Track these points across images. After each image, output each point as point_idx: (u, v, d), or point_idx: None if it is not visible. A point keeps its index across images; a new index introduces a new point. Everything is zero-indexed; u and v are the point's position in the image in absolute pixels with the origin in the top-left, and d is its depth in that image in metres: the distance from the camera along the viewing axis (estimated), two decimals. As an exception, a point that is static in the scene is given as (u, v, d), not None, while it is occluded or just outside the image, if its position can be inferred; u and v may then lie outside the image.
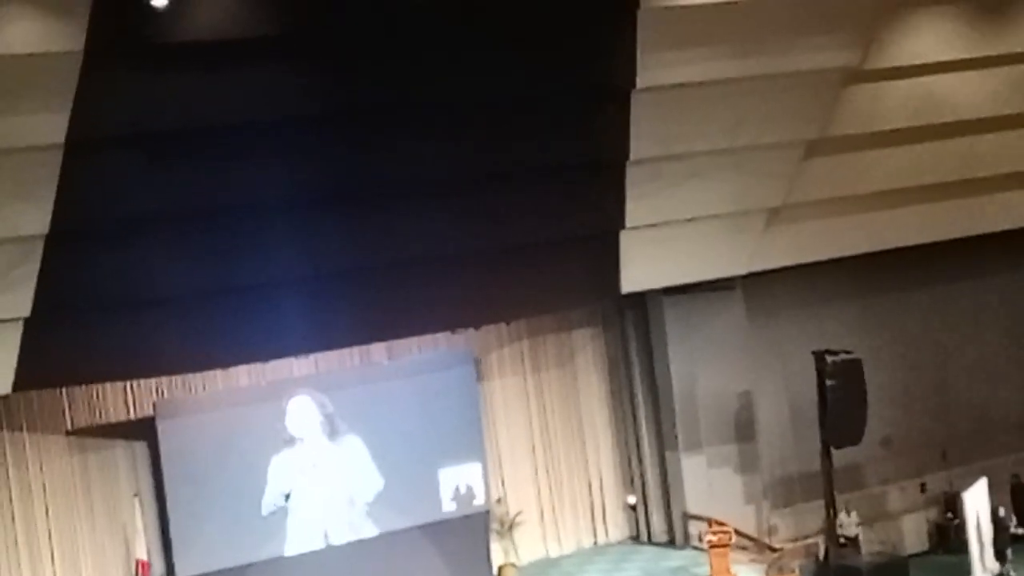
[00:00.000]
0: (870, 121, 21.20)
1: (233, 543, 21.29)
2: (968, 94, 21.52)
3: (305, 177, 17.75)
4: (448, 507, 22.76)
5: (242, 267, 18.14)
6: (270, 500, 21.64)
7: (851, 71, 20.35)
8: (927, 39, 20.90)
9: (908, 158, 21.81)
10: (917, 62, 20.92)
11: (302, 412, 21.95)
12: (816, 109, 20.47)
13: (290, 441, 21.83)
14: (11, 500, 21.09)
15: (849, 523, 23.11)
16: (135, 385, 21.46)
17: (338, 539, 22.15)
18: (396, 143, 18.01)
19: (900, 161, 21.79)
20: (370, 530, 22.32)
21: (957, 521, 23.62)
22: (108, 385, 21.26)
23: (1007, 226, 23.65)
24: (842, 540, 22.84)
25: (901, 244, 23.11)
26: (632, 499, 25.01)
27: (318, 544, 22.02)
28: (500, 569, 23.42)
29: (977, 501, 23.02)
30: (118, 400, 21.50)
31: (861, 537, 23.36)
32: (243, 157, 17.33)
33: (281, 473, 21.72)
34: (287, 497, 21.76)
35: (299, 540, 21.91)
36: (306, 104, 17.17)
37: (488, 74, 17.84)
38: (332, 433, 22.15)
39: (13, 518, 21.07)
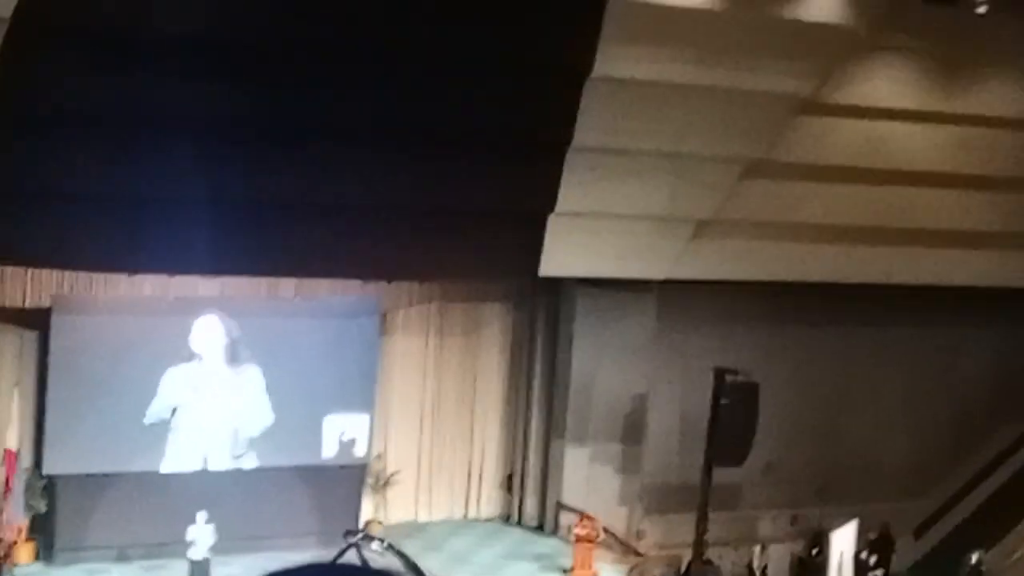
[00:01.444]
0: (813, 153, 21.34)
1: (108, 450, 21.03)
2: (913, 145, 21.75)
3: (242, 104, 17.52)
4: (328, 453, 22.65)
5: (161, 179, 17.87)
6: (155, 411, 21.38)
7: (805, 101, 20.46)
8: (884, 84, 21.09)
9: (842, 197, 22.00)
10: (869, 104, 21.10)
11: (208, 330, 21.71)
12: (763, 131, 20.57)
13: (189, 357, 21.58)
14: None
15: (762, 558, 23.55)
16: (35, 275, 21.05)
17: (216, 465, 21.96)
18: (341, 84, 17.81)
19: (834, 198, 21.97)
20: (250, 462, 22.15)
21: (820, 558, 23.93)
22: (8, 271, 20.85)
23: (926, 281, 23.96)
24: (706, 557, 23.05)
25: (819, 279, 23.33)
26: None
27: (195, 466, 21.81)
28: (367, 524, 23.35)
29: (844, 541, 23.37)
30: (16, 286, 21.06)
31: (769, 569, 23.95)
32: (180, 73, 17.05)
33: (173, 386, 21.47)
34: (173, 412, 21.52)
35: (177, 459, 21.69)
36: (254, 30, 16.93)
37: (448, 32, 17.71)
38: (233, 358, 21.92)
39: None
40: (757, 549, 23.56)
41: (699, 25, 18.75)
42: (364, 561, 17.67)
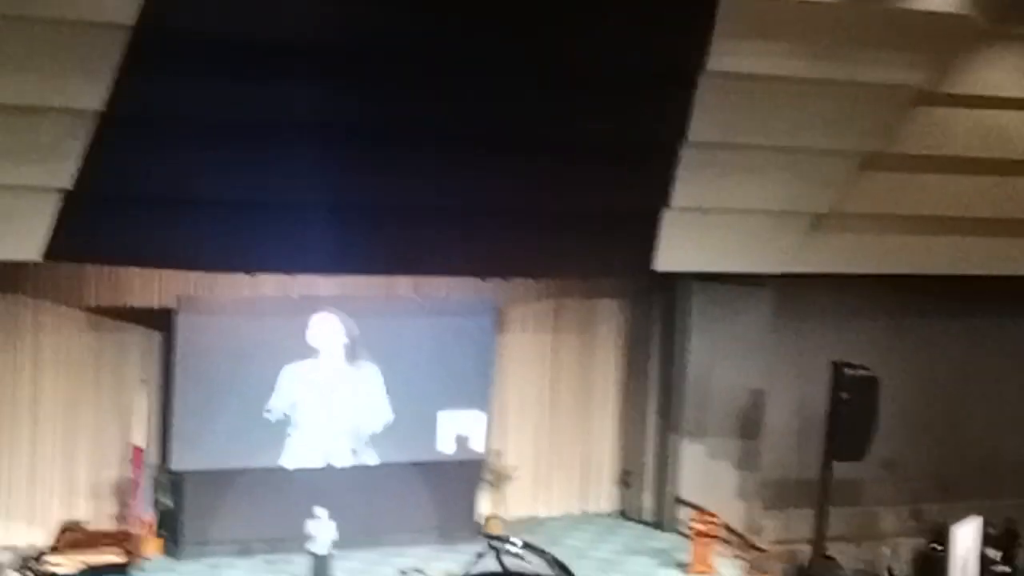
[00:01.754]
0: (933, 144, 21.05)
1: (232, 447, 21.48)
2: (1035, 135, 21.35)
3: (361, 107, 17.75)
4: (446, 449, 22.88)
5: (281, 182, 18.17)
6: (275, 407, 21.79)
7: (923, 92, 20.20)
8: (1004, 73, 20.71)
9: (964, 188, 21.66)
10: (989, 93, 20.75)
11: (326, 327, 22.07)
12: (881, 123, 20.34)
13: (307, 354, 21.95)
14: (23, 366, 21.33)
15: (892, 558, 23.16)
16: (161, 276, 21.58)
17: (338, 462, 22.30)
18: (459, 88, 17.96)
19: (956, 190, 21.64)
20: (371, 458, 22.46)
21: (943, 554, 23.61)
22: (135, 272, 21.40)
23: (1052, 273, 23.53)
24: (827, 553, 22.87)
25: (940, 272, 22.99)
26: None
27: (318, 463, 22.18)
28: (486, 519, 23.55)
29: (967, 538, 23.03)
30: (143, 287, 21.63)
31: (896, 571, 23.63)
32: (299, 77, 17.32)
33: (292, 382, 21.86)
34: (293, 408, 21.91)
35: (299, 455, 22.08)
36: (374, 33, 17.13)
37: (562, 36, 17.76)
38: (352, 356, 22.27)
39: (23, 383, 21.30)
40: (888, 551, 23.08)
41: (813, 18, 18.60)
42: (504, 568, 17.85)
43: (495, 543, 18.66)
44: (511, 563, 17.96)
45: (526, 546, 18.77)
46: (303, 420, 22.04)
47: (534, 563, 18.30)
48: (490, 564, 18.23)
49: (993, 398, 26.20)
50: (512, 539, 18.77)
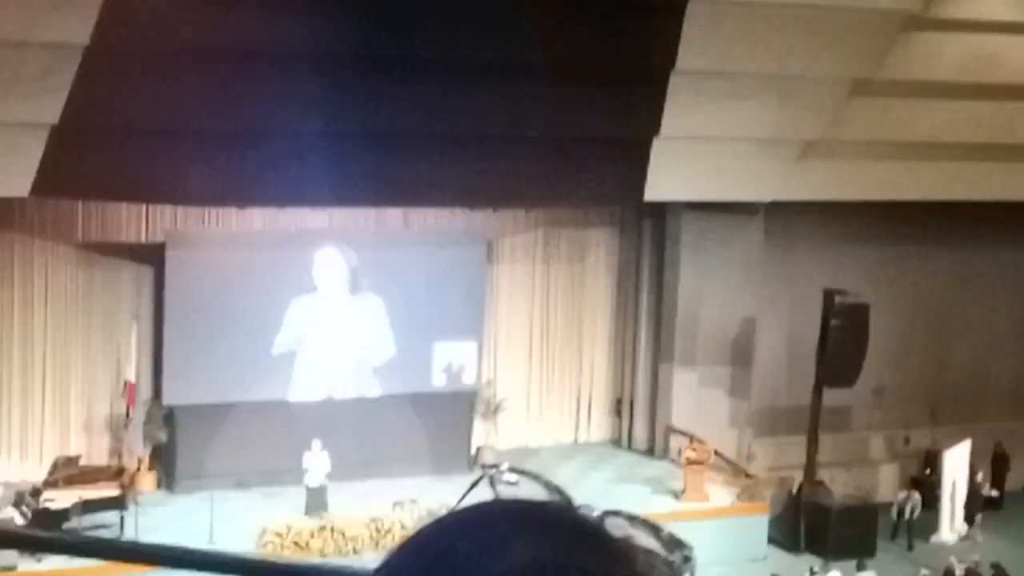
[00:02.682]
0: (922, 70, 20.96)
1: (226, 380, 21.50)
2: (1025, 59, 21.28)
3: (349, 38, 17.65)
4: (439, 381, 22.95)
5: (272, 113, 18.10)
6: (282, 342, 21.84)
7: (912, 16, 20.08)
8: (994, -3, 20.62)
9: (954, 113, 21.60)
10: (980, 18, 20.63)
11: (329, 263, 22.06)
12: (871, 49, 20.24)
13: (311, 289, 21.96)
14: (12, 302, 21.30)
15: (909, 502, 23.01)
16: (150, 211, 21.53)
17: (341, 394, 22.37)
18: (447, 17, 17.85)
19: (945, 115, 21.59)
20: (374, 391, 22.53)
21: (934, 478, 23.82)
22: (124, 207, 21.33)
23: (1038, 197, 23.54)
24: (817, 478, 23.04)
25: (930, 198, 23.01)
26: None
27: (320, 395, 22.25)
28: (479, 450, 23.66)
29: (957, 462, 23.24)
30: (132, 223, 21.58)
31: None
32: (289, 6, 17.20)
33: (298, 317, 21.89)
34: (299, 342, 21.95)
35: (303, 388, 22.14)
36: None
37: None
38: (354, 288, 22.28)
39: (12, 319, 21.29)
40: (902, 495, 23.10)
41: (803, -57, 18.47)
42: (497, 494, 18.01)
43: (488, 470, 18.83)
44: (506, 491, 18.07)
45: (520, 471, 18.88)
46: (307, 354, 22.07)
47: (529, 489, 18.44)
48: (485, 492, 18.33)
49: (982, 323, 26.33)
50: (506, 466, 18.94)
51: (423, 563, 1.74)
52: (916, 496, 22.71)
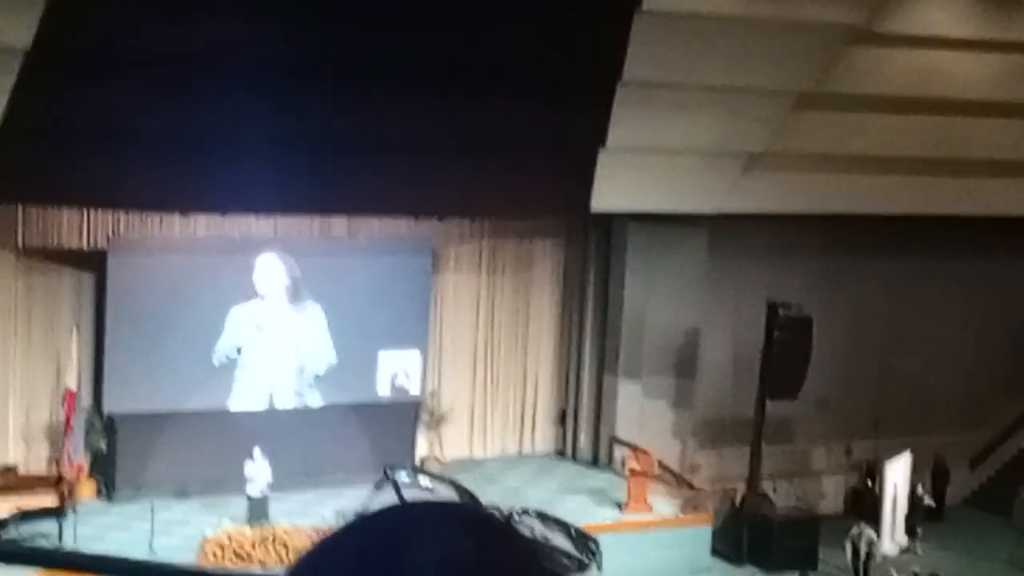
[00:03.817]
0: (867, 84, 21.14)
1: (168, 389, 21.29)
2: (970, 75, 21.48)
3: (293, 44, 17.58)
4: (383, 391, 22.84)
5: (216, 119, 17.99)
6: (222, 350, 21.65)
7: (858, 30, 20.24)
8: (938, 12, 20.82)
9: (897, 127, 21.79)
10: (924, 33, 20.84)
11: (270, 269, 21.90)
12: (816, 62, 20.39)
13: (252, 296, 21.79)
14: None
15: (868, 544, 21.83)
16: (92, 217, 21.24)
17: (282, 403, 22.21)
18: (389, 24, 17.82)
19: (889, 129, 21.77)
20: (315, 400, 22.38)
21: (875, 490, 23.95)
22: (64, 212, 21.06)
23: (982, 212, 23.76)
24: (760, 490, 23.10)
25: (874, 211, 23.19)
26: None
27: (262, 404, 22.07)
28: (423, 461, 23.56)
29: (898, 473, 23.38)
30: (72, 229, 21.28)
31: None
32: (234, 13, 17.11)
33: (239, 325, 21.71)
34: (239, 350, 21.77)
35: (244, 397, 21.96)
36: None
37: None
38: (295, 297, 22.14)
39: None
40: (854, 530, 21.88)
41: (749, -44, 18.56)
42: (401, 498, 17.99)
43: (389, 472, 18.95)
44: (413, 494, 18.07)
45: (426, 473, 19.06)
46: (248, 362, 21.90)
47: (438, 491, 18.54)
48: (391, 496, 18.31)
49: (925, 335, 26.53)
50: (406, 469, 19.10)
51: (335, 564, 1.73)
52: (869, 532, 21.90)
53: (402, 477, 18.97)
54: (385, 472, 19.01)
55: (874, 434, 25.01)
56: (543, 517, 19.47)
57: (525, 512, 19.53)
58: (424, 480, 19.23)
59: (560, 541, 18.81)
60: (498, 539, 1.78)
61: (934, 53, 21.11)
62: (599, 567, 18.61)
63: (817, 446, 25.53)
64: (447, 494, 17.81)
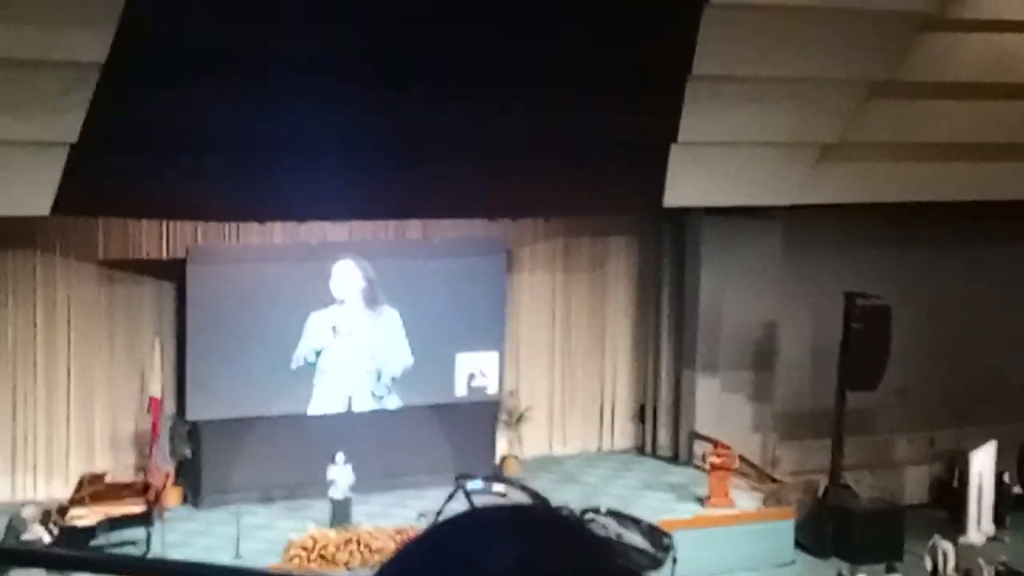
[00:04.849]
0: (940, 71, 20.92)
1: (249, 395, 21.55)
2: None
3: (368, 48, 17.70)
4: (461, 392, 22.96)
5: (290, 127, 18.14)
6: (301, 354, 21.89)
7: (930, 17, 20.04)
8: (1011, -4, 20.56)
9: (973, 114, 21.54)
10: (997, 17, 20.58)
11: (346, 275, 22.11)
12: (888, 51, 20.20)
13: (330, 302, 22.01)
14: (35, 322, 21.39)
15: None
16: (171, 227, 21.61)
17: (360, 406, 22.40)
18: (464, 26, 17.89)
19: (964, 116, 21.53)
20: (393, 403, 22.55)
21: (960, 480, 23.71)
22: (144, 223, 21.42)
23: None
24: (843, 482, 22.94)
25: (950, 198, 22.93)
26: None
27: (340, 408, 22.28)
28: (503, 460, 23.65)
29: (983, 462, 23.13)
30: (152, 239, 21.66)
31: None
32: (309, 18, 17.28)
33: (317, 331, 21.94)
34: (318, 355, 21.98)
35: (323, 401, 22.18)
36: None
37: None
38: (371, 301, 22.32)
39: (35, 339, 21.36)
40: (931, 543, 21.08)
41: (818, -54, 18.45)
42: (472, 505, 18.15)
43: (461, 482, 19.02)
44: (486, 501, 18.16)
45: (498, 479, 19.10)
46: (326, 367, 22.11)
47: (512, 496, 18.61)
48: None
49: (1003, 322, 26.21)
50: (479, 475, 19.20)
51: (414, 572, 1.78)
52: (945, 544, 21.09)
53: (475, 485, 19.07)
54: (457, 481, 19.11)
55: (957, 423, 24.75)
56: (616, 515, 19.44)
57: (596, 511, 19.52)
58: (497, 487, 19.33)
59: (634, 538, 18.79)
60: (570, 539, 1.82)
61: (1007, 37, 20.85)
62: (674, 562, 18.56)
63: (899, 437, 25.31)
64: (520, 499, 17.90)
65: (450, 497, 18.59)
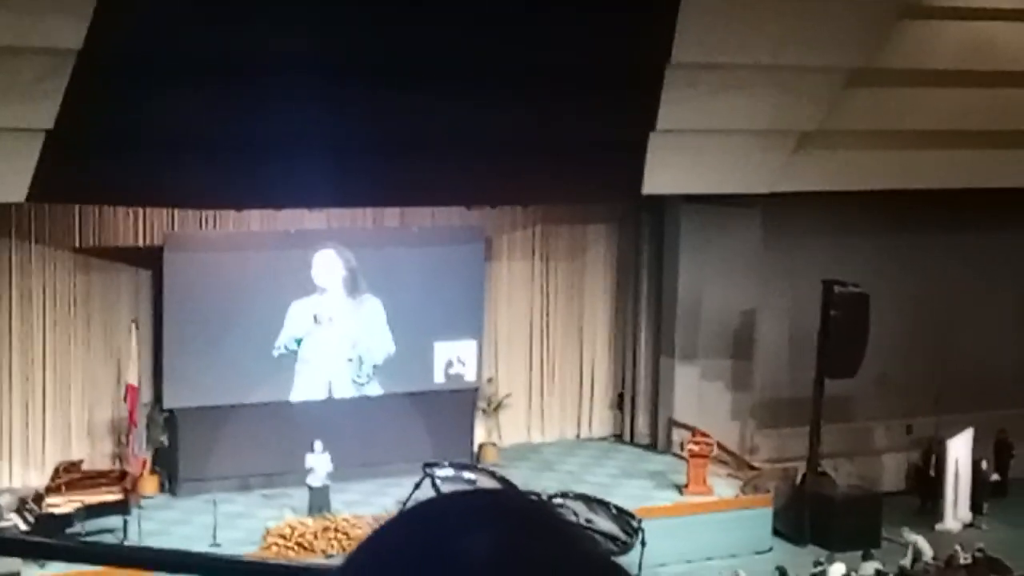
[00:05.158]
0: (919, 58, 20.95)
1: (227, 383, 21.47)
2: (1020, 45, 21.22)
3: (346, 41, 17.65)
4: (439, 379, 22.93)
5: (268, 116, 18.08)
6: (282, 343, 21.82)
7: (908, 5, 20.07)
8: (990, -17, 20.60)
9: (951, 101, 21.59)
10: (976, 5, 20.62)
11: (328, 264, 22.04)
12: (867, 38, 20.22)
13: (311, 290, 21.94)
14: (10, 309, 21.24)
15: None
16: (147, 214, 21.50)
17: (340, 393, 22.35)
18: (441, 19, 17.85)
19: (942, 103, 21.57)
20: (373, 390, 22.51)
21: (937, 467, 23.78)
22: (120, 211, 21.30)
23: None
24: (821, 469, 22.99)
25: (929, 186, 22.97)
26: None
27: (320, 395, 22.23)
28: (481, 447, 23.63)
29: (960, 450, 23.22)
30: (128, 226, 21.55)
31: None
32: (288, 13, 17.21)
33: (298, 318, 21.87)
34: (298, 343, 21.92)
35: (303, 389, 22.11)
36: None
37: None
38: (353, 290, 22.26)
39: (10, 327, 21.24)
40: (910, 536, 21.02)
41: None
42: (439, 491, 18.18)
43: (428, 469, 19.22)
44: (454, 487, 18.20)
45: (465, 467, 19.26)
46: (307, 355, 22.04)
47: (481, 482, 18.72)
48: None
49: (983, 310, 26.28)
50: (446, 463, 19.41)
51: (384, 559, 1.76)
52: (921, 542, 20.95)
53: (443, 472, 19.18)
54: (424, 469, 19.23)
55: (935, 411, 24.82)
56: (585, 498, 19.52)
57: (566, 495, 19.59)
58: (466, 474, 19.43)
59: (603, 522, 18.86)
60: (541, 524, 1.80)
61: (986, 25, 20.89)
62: (643, 545, 18.63)
63: (877, 424, 25.38)
64: (489, 485, 17.90)
65: (417, 485, 18.69)
